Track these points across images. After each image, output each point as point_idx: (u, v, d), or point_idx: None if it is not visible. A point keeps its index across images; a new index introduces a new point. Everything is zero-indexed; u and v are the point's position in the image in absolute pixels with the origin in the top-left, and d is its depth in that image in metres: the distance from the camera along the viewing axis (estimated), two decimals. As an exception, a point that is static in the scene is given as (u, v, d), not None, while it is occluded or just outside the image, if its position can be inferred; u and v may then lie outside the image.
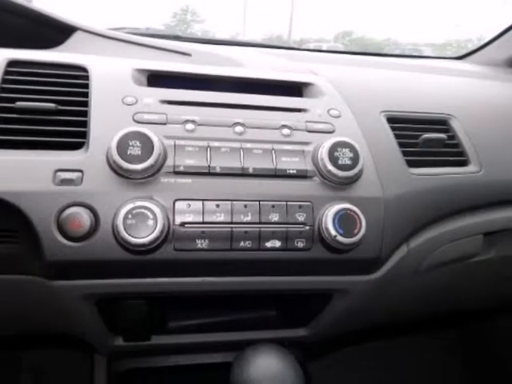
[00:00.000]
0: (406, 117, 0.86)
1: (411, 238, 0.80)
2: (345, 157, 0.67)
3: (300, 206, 0.66)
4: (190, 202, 0.63)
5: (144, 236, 0.58)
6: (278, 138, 0.70)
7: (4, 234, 0.63)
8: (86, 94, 0.70)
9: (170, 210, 0.62)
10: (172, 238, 0.62)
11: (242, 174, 0.66)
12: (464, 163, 0.85)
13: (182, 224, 0.62)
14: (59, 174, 0.61)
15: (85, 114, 0.68)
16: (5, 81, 0.69)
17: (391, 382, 1.41)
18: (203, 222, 0.63)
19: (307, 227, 0.66)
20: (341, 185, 0.69)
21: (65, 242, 0.60)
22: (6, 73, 0.70)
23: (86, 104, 0.69)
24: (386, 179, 0.73)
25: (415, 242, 0.80)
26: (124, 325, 0.78)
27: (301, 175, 0.68)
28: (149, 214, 0.58)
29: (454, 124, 0.88)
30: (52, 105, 0.67)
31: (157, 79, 0.78)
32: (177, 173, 0.64)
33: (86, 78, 0.73)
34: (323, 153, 0.67)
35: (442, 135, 0.84)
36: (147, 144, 0.61)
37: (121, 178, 0.62)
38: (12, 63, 0.72)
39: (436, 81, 1.06)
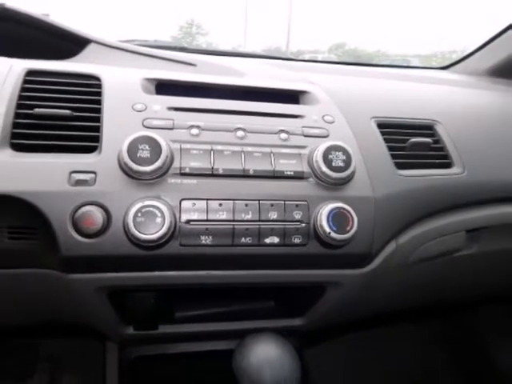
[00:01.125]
0: (394, 122, 0.86)
1: (400, 234, 0.80)
2: (338, 159, 0.68)
3: (297, 205, 0.66)
4: (195, 202, 0.63)
5: (152, 232, 0.58)
6: (277, 142, 0.71)
7: (23, 230, 0.63)
8: (98, 102, 0.71)
9: (176, 208, 0.62)
10: (178, 235, 0.62)
11: (243, 175, 0.66)
12: (448, 165, 0.85)
13: (188, 221, 0.62)
14: (74, 175, 0.61)
15: (98, 119, 0.68)
16: (24, 89, 0.69)
17: (382, 368, 1.41)
18: (207, 220, 0.63)
19: (303, 224, 0.66)
20: (334, 185, 0.69)
21: (79, 238, 0.60)
22: (25, 82, 0.71)
23: (98, 111, 0.69)
24: (376, 180, 0.73)
25: (403, 238, 0.81)
26: (134, 315, 0.78)
27: (297, 176, 0.68)
28: (157, 212, 0.59)
29: (439, 129, 0.88)
30: (67, 111, 0.67)
31: (164, 88, 0.79)
32: (183, 174, 0.64)
33: (99, 86, 0.73)
34: (318, 156, 0.68)
35: (428, 139, 0.84)
36: (155, 147, 0.61)
37: (131, 179, 0.62)
38: (30, 73, 0.73)
39: (422, 89, 1.07)
